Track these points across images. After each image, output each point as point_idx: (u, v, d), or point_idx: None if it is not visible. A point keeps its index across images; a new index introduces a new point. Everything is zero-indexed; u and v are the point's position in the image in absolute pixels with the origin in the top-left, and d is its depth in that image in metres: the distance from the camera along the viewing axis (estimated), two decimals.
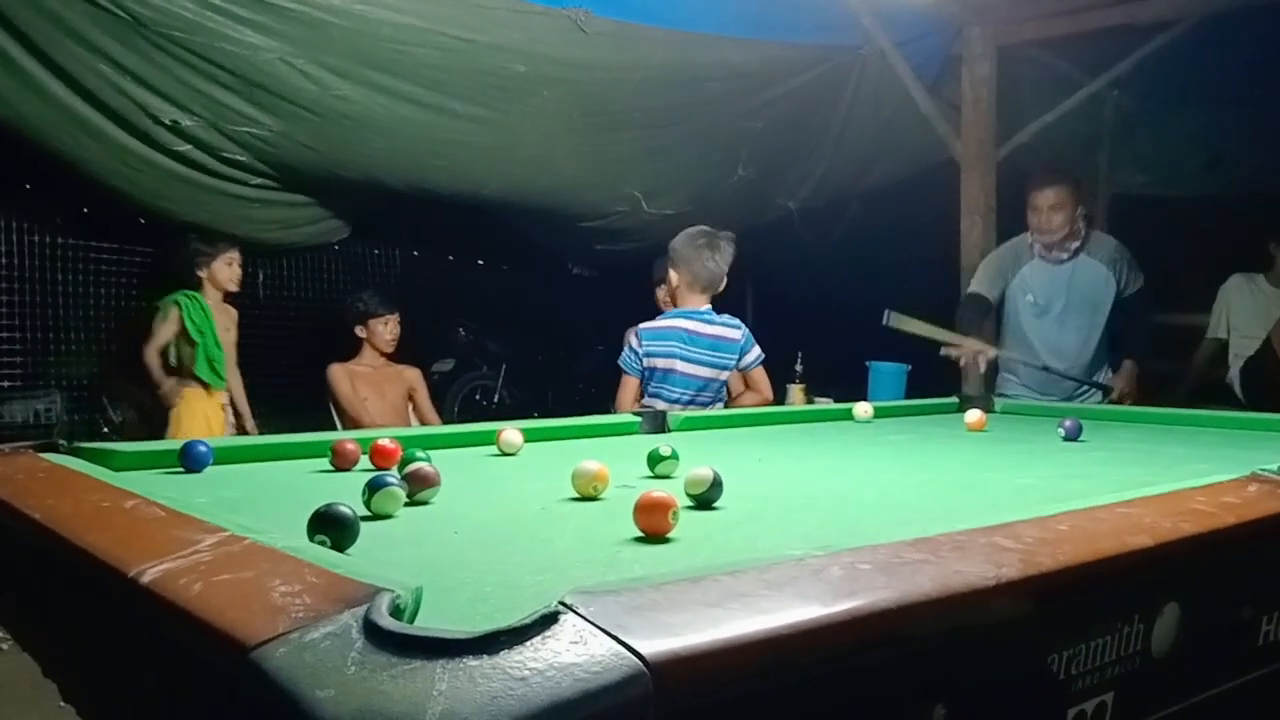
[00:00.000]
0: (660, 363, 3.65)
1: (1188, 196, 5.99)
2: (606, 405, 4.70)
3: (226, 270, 4.42)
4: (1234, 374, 4.91)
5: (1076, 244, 4.00)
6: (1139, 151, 5.97)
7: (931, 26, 4.89)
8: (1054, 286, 4.05)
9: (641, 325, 3.78)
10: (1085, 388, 4.04)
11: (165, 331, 4.27)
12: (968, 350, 3.66)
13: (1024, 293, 4.09)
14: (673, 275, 3.76)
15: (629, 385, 3.71)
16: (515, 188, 4.89)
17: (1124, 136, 5.91)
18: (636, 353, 3.69)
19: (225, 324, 4.44)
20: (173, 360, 4.31)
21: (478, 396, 6.52)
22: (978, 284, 4.19)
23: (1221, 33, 4.53)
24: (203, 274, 4.38)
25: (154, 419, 4.59)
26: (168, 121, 3.80)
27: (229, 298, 4.51)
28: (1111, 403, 3.89)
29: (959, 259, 4.86)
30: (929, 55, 5.00)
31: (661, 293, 4.59)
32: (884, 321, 3.97)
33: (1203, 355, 5.00)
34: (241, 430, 4.39)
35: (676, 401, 3.64)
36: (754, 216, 5.75)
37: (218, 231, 4.41)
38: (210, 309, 4.35)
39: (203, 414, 4.25)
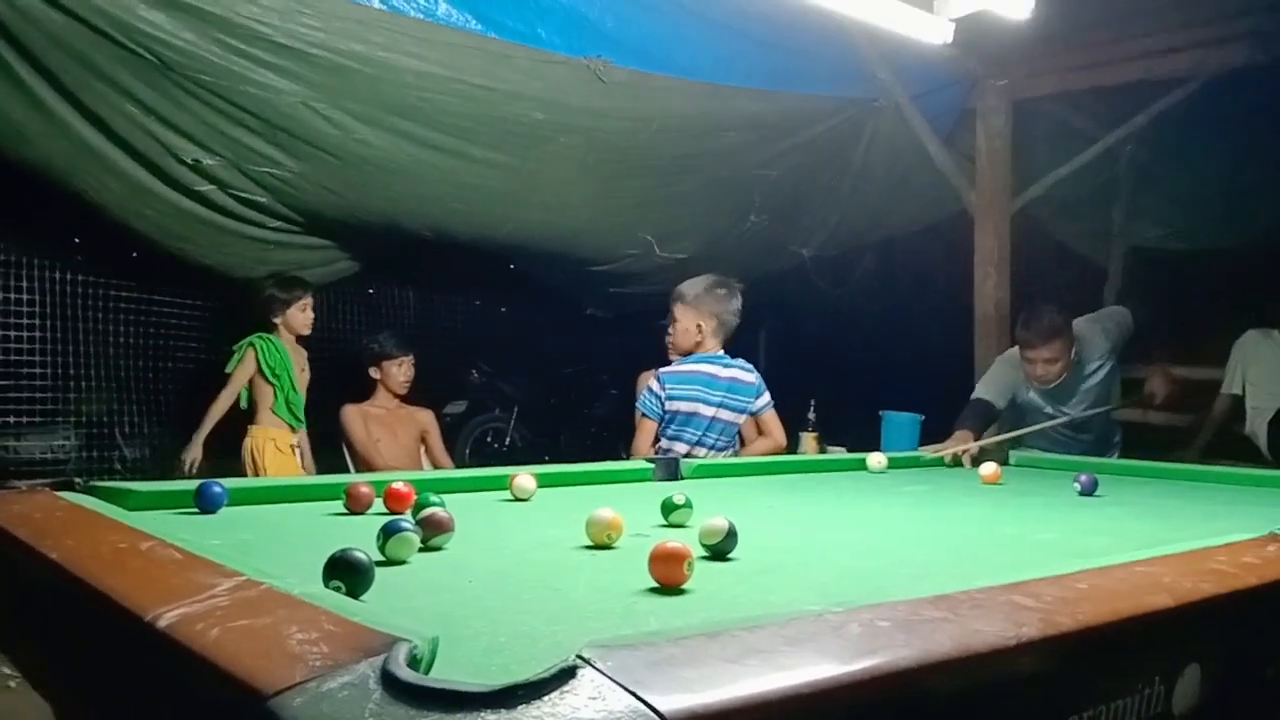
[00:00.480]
0: (684, 406, 3.70)
1: (1203, 249, 6.00)
2: (618, 449, 4.70)
3: (301, 316, 4.52)
4: (1254, 428, 4.88)
5: (1075, 370, 3.98)
6: (1154, 205, 5.98)
7: (947, 80, 4.93)
8: (1064, 399, 4.06)
9: (663, 370, 3.81)
10: (1115, 439, 4.02)
11: (241, 375, 4.39)
12: (949, 450, 3.59)
13: (1042, 405, 4.07)
14: (695, 322, 3.78)
15: (647, 428, 3.74)
16: (531, 231, 4.93)
17: (1139, 189, 5.93)
18: (659, 396, 3.71)
19: (300, 364, 4.54)
20: (243, 403, 4.41)
21: (489, 439, 6.53)
22: (985, 390, 4.12)
23: (1237, 87, 4.55)
24: (278, 320, 4.48)
25: (167, 457, 4.61)
26: (190, 161, 3.85)
27: (300, 339, 4.61)
28: (1150, 408, 4.00)
29: (973, 309, 4.87)
30: (944, 108, 5.04)
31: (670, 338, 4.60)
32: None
33: (1218, 410, 4.98)
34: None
35: (699, 444, 3.67)
36: (767, 263, 5.78)
37: (289, 278, 4.55)
38: (287, 351, 4.44)
39: (275, 453, 4.34)
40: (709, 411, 3.70)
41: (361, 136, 3.95)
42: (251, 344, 4.41)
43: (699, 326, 3.79)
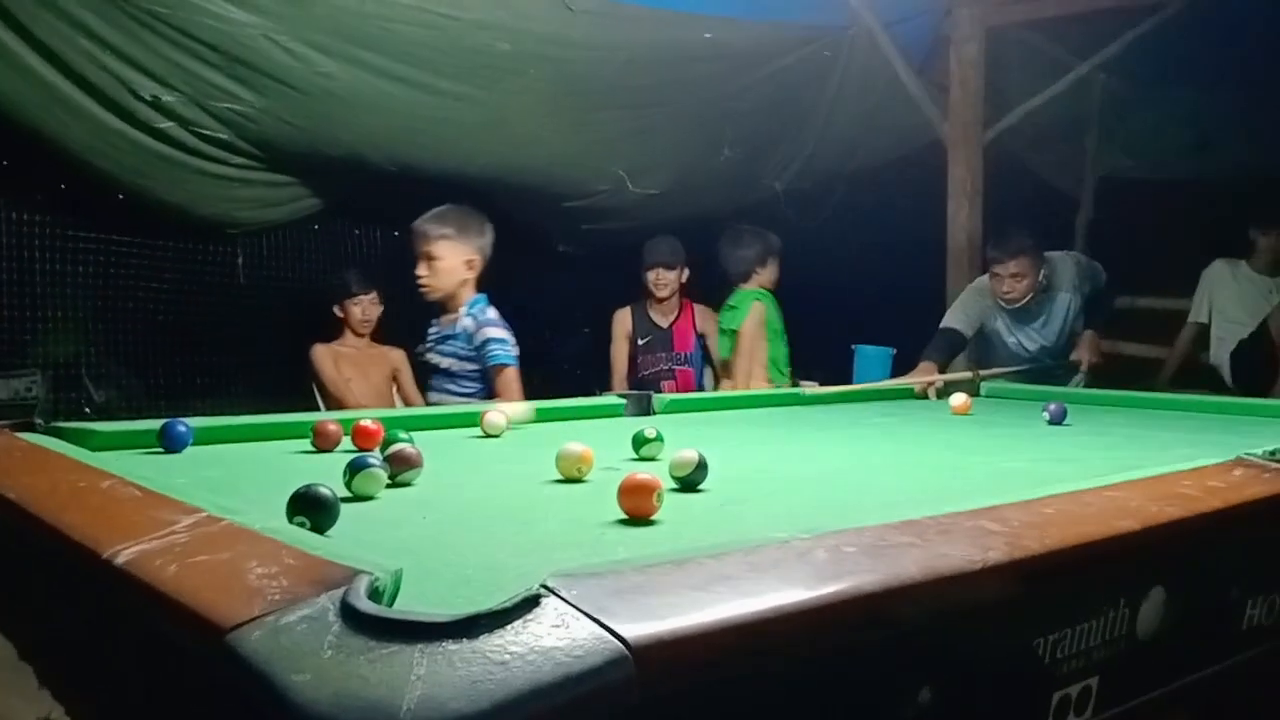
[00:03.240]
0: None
1: (1174, 180, 5.99)
2: (591, 387, 4.69)
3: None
4: (1218, 358, 4.93)
5: (1042, 295, 4.06)
6: (1126, 135, 5.96)
7: (920, 7, 4.86)
8: (1029, 329, 4.14)
9: (493, 317, 3.52)
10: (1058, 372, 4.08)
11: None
12: (918, 381, 3.66)
13: (1005, 335, 4.17)
14: (465, 258, 3.47)
15: (510, 378, 3.41)
16: (500, 166, 4.85)
17: (1112, 119, 5.90)
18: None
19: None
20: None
21: None
22: (953, 319, 4.20)
23: (1211, 15, 4.51)
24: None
25: (135, 398, 4.55)
26: (148, 97, 3.75)
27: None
28: (1077, 373, 4.02)
29: (945, 242, 4.86)
30: (917, 36, 4.98)
31: (672, 276, 4.57)
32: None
33: (1185, 338, 5.03)
34: None
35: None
36: (739, 197, 5.73)
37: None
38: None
39: None
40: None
41: (324, 69, 3.86)
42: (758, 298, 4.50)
43: (469, 263, 3.48)
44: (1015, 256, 3.95)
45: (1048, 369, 4.06)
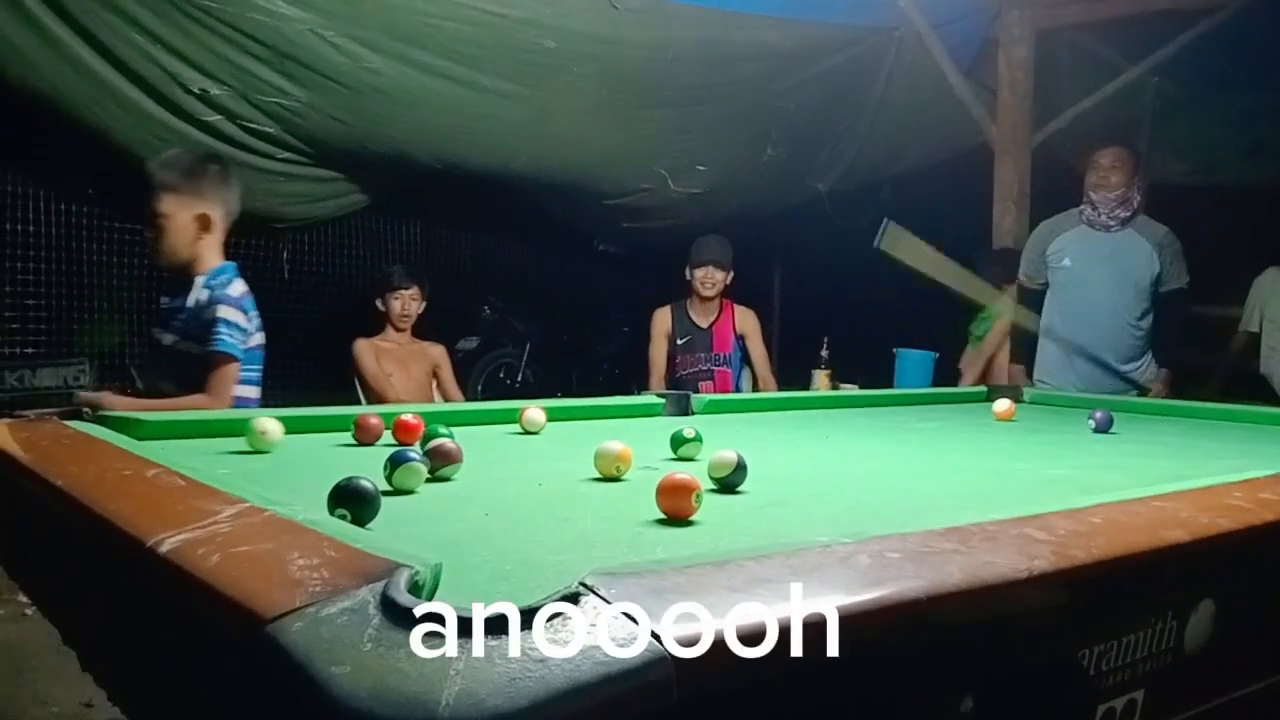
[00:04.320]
0: (259, 337, 2.94)
1: (1227, 186, 5.90)
2: (630, 385, 4.70)
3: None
4: (1269, 367, 4.84)
5: (1127, 214, 3.88)
6: (1178, 139, 5.87)
7: (969, 8, 4.82)
8: (1095, 255, 3.91)
9: (236, 290, 2.87)
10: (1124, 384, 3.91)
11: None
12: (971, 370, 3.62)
13: (1061, 258, 3.97)
14: (195, 212, 2.86)
15: (229, 374, 2.82)
16: (543, 164, 4.87)
17: (1163, 124, 5.81)
18: (245, 329, 2.87)
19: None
20: None
21: (501, 375, 6.53)
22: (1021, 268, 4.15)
23: (1265, 18, 4.43)
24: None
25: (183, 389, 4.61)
26: (197, 91, 3.81)
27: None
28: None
29: (992, 246, 4.80)
30: (966, 37, 4.93)
31: (721, 276, 4.57)
32: (876, 241, 3.79)
33: (1235, 347, 4.94)
34: None
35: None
36: (782, 198, 5.71)
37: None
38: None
39: None
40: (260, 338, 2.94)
41: (371, 65, 3.89)
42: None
43: (201, 221, 2.85)
44: (1116, 145, 3.86)
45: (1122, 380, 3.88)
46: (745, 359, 4.82)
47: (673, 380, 4.66)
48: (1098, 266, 3.89)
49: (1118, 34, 4.93)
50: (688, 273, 4.64)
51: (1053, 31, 4.83)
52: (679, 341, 4.72)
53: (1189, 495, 1.33)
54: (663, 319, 4.76)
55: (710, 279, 4.58)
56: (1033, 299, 4.03)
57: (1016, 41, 4.76)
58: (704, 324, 4.72)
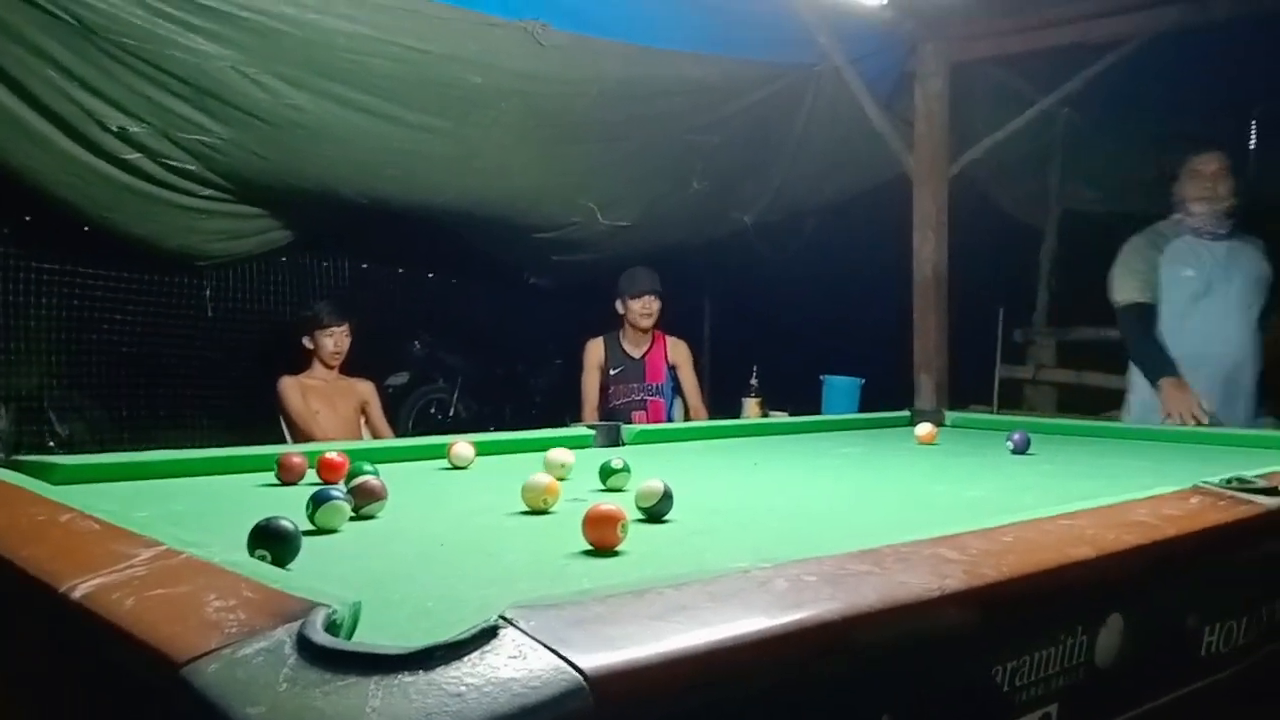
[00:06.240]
0: None
1: (1136, 213, 6.09)
2: (563, 418, 4.69)
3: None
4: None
5: (1234, 220, 3.55)
6: (1089, 168, 6.07)
7: (886, 43, 4.94)
8: (1212, 263, 3.56)
9: None
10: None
11: None
12: (1179, 407, 3.15)
13: (1179, 269, 3.58)
14: None
15: None
16: (470, 199, 4.87)
17: (1074, 152, 6.01)
18: None
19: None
20: None
21: (433, 410, 6.47)
22: (1126, 290, 3.66)
23: (1169, 50, 4.61)
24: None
25: (102, 432, 4.51)
26: (115, 129, 3.74)
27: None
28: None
29: (911, 273, 4.91)
30: (883, 72, 5.05)
31: (657, 306, 4.59)
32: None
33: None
34: None
35: None
36: (709, 230, 5.78)
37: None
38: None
39: None
40: None
41: (292, 101, 3.86)
42: None
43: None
44: (1217, 149, 3.50)
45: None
46: (677, 388, 4.85)
47: (606, 410, 4.68)
48: (1220, 276, 3.56)
49: (1029, 66, 5.09)
50: (619, 305, 4.66)
51: (967, 65, 4.97)
52: (611, 372, 4.74)
53: (1097, 513, 1.38)
54: (595, 350, 4.77)
55: (648, 309, 4.62)
56: (1144, 312, 3.62)
57: (932, 75, 4.89)
58: (636, 354, 4.74)
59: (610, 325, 4.78)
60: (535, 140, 4.60)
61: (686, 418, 4.77)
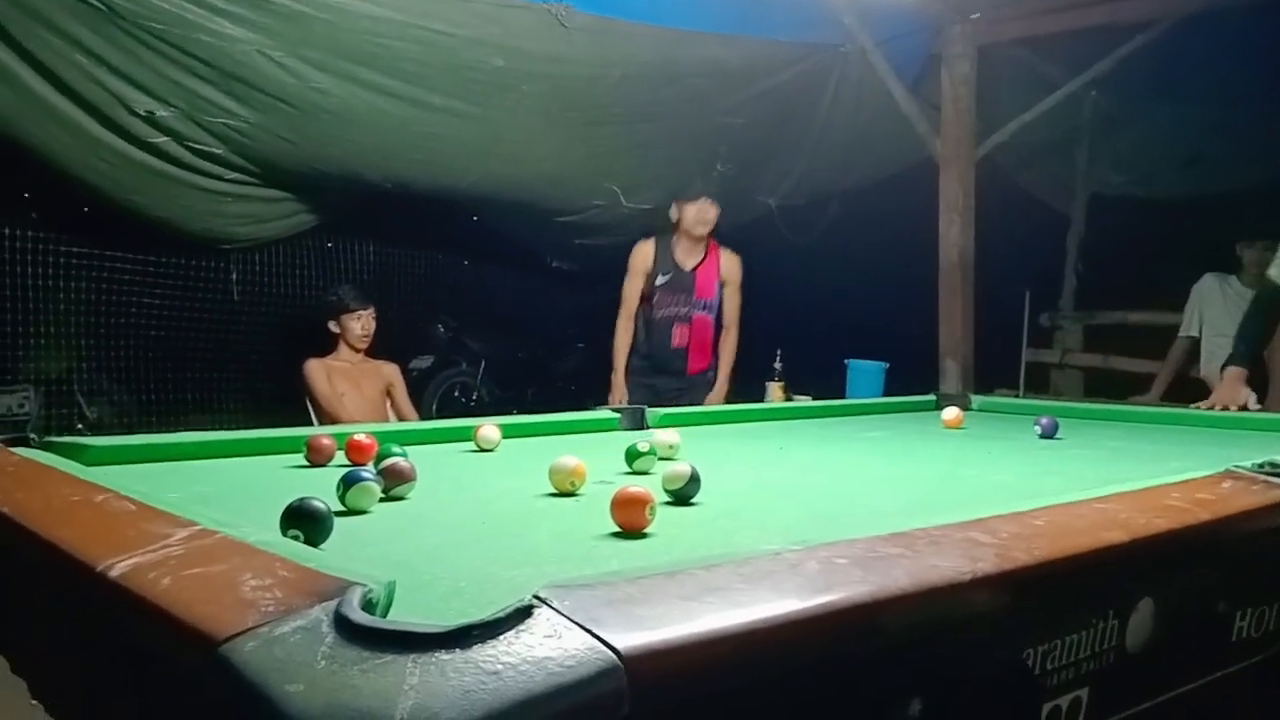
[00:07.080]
0: None
1: (1164, 196, 6.03)
2: (586, 402, 4.69)
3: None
4: (1209, 371, 4.94)
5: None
6: (1117, 151, 6.00)
7: (912, 25, 4.89)
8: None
9: None
10: None
11: None
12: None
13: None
14: None
15: None
16: (494, 182, 4.87)
17: (1102, 136, 5.95)
18: None
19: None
20: None
21: (457, 393, 6.49)
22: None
23: (1200, 32, 4.55)
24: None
25: (130, 415, 4.55)
26: (143, 112, 3.77)
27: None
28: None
29: (937, 258, 4.88)
30: (909, 54, 5.01)
31: (715, 213, 4.33)
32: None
33: (1176, 352, 5.04)
34: None
35: None
36: (733, 213, 5.73)
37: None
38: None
39: None
40: None
41: (318, 85, 3.87)
42: None
43: None
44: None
45: None
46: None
47: (645, 320, 4.39)
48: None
49: (1056, 49, 5.03)
50: (673, 212, 4.33)
51: (994, 47, 4.92)
52: (658, 280, 4.35)
53: (1128, 497, 1.37)
54: (643, 254, 4.39)
55: (704, 215, 4.26)
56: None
57: (959, 58, 4.84)
58: (688, 265, 4.37)
59: (669, 230, 4.45)
60: (559, 123, 4.60)
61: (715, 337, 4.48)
